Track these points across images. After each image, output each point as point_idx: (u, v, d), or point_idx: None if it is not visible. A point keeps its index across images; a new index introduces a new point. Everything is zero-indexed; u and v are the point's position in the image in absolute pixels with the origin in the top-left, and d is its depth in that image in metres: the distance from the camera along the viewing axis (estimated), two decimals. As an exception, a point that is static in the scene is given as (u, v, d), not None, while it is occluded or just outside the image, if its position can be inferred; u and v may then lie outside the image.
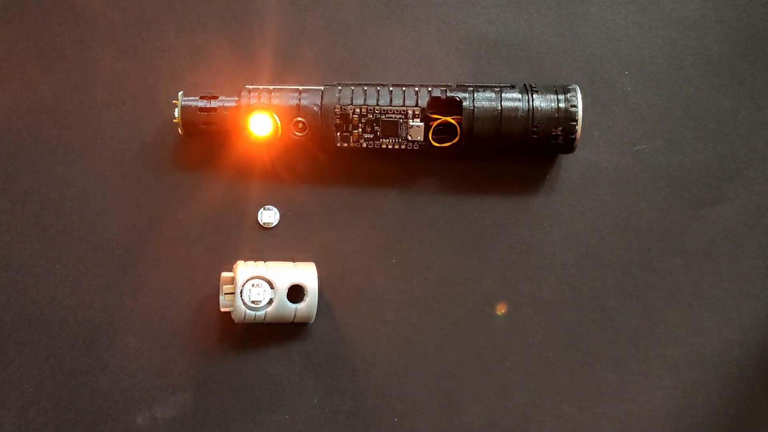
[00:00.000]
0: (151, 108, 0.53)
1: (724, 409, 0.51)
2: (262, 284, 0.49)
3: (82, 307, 0.52)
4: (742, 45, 0.53)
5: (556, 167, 0.52)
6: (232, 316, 0.49)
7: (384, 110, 0.49)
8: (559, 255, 0.52)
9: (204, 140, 0.52)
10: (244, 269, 0.49)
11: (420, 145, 0.50)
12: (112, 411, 0.51)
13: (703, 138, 0.53)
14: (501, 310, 0.52)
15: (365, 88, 0.50)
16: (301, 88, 0.50)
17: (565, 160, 0.52)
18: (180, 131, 0.50)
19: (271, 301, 0.49)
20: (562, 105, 0.49)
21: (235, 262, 0.50)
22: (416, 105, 0.49)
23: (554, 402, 0.52)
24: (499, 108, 0.49)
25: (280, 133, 0.50)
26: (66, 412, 0.51)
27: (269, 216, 0.52)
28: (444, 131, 0.49)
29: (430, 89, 0.49)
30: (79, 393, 0.51)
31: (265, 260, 0.51)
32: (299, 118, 0.49)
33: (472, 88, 0.49)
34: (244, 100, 0.49)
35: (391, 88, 0.50)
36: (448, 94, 0.49)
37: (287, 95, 0.50)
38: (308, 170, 0.52)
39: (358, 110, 0.49)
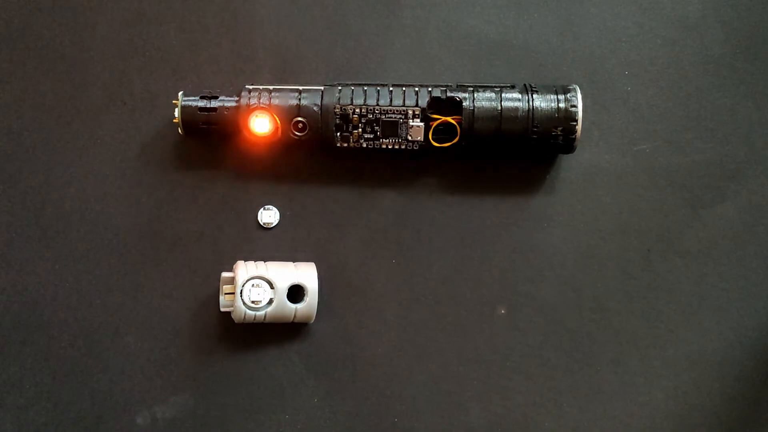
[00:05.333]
0: (151, 108, 0.53)
1: (724, 409, 0.51)
2: (262, 284, 0.49)
3: (82, 307, 0.52)
4: (742, 45, 0.53)
5: (556, 167, 0.52)
6: (232, 316, 0.49)
7: (384, 110, 0.49)
8: (559, 255, 0.52)
9: (204, 140, 0.52)
10: (244, 269, 0.49)
11: (420, 145, 0.49)
12: (112, 411, 0.51)
13: (703, 138, 0.53)
14: (501, 310, 0.52)
15: (365, 88, 0.50)
16: (301, 88, 0.50)
17: (565, 160, 0.52)
18: (180, 131, 0.50)
19: (271, 301, 0.49)
20: (562, 105, 0.49)
21: (235, 262, 0.50)
22: (416, 105, 0.49)
23: (554, 402, 0.52)
24: (499, 108, 0.49)
25: (280, 133, 0.50)
26: (66, 412, 0.51)
27: (269, 216, 0.52)
28: (444, 131, 0.49)
29: (430, 89, 0.49)
30: (79, 393, 0.51)
31: (265, 260, 0.51)
32: (299, 118, 0.49)
33: (472, 88, 0.49)
34: (244, 100, 0.49)
35: (391, 88, 0.50)
36: (448, 94, 0.49)
37: (287, 95, 0.50)
38: (308, 170, 0.52)
39: (358, 110, 0.49)
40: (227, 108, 0.50)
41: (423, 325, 0.52)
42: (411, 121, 0.49)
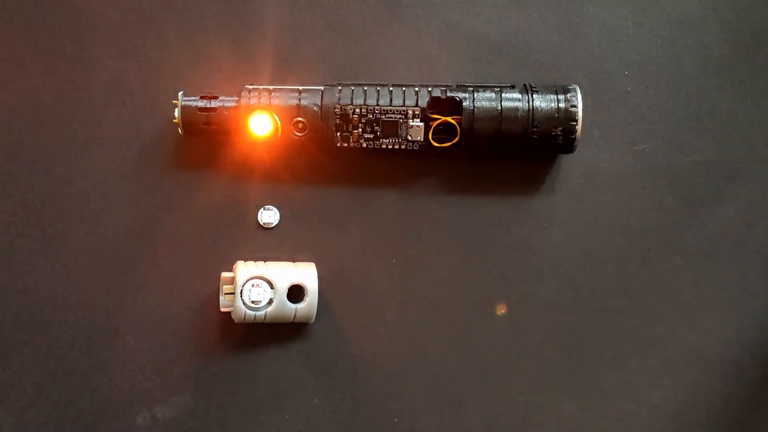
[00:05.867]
0: (151, 108, 0.53)
1: (724, 409, 0.51)
2: (262, 284, 0.49)
3: (82, 307, 0.52)
4: (742, 45, 0.53)
5: (556, 167, 0.52)
6: (232, 316, 0.49)
7: (384, 110, 0.49)
8: (559, 255, 0.52)
9: (204, 140, 0.52)
10: (244, 269, 0.49)
11: (420, 145, 0.49)
12: (112, 411, 0.51)
13: (703, 138, 0.53)
14: (501, 310, 0.52)
15: (365, 88, 0.50)
16: (301, 88, 0.50)
17: (565, 160, 0.52)
18: (180, 131, 0.50)
19: (271, 301, 0.49)
20: (562, 105, 0.49)
21: (235, 262, 0.50)
22: (416, 105, 0.49)
23: (554, 402, 0.52)
24: (499, 108, 0.49)
25: (280, 133, 0.50)
26: (66, 412, 0.51)
27: (269, 216, 0.52)
28: (444, 131, 0.49)
29: (430, 89, 0.49)
30: (79, 393, 0.51)
31: (265, 260, 0.51)
32: (299, 118, 0.49)
33: (472, 88, 0.49)
34: (244, 100, 0.49)
35: (391, 88, 0.50)
36: (448, 94, 0.49)
37: (287, 95, 0.50)
38: (308, 170, 0.52)
39: (358, 110, 0.49)
40: (227, 108, 0.50)
41: (423, 325, 0.52)
42: (411, 121, 0.49)
